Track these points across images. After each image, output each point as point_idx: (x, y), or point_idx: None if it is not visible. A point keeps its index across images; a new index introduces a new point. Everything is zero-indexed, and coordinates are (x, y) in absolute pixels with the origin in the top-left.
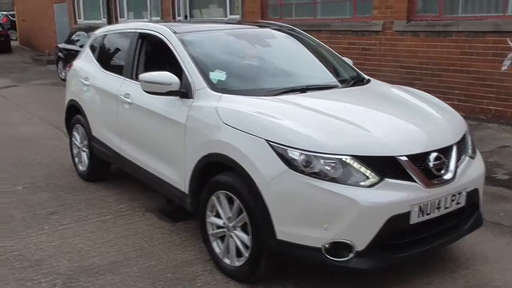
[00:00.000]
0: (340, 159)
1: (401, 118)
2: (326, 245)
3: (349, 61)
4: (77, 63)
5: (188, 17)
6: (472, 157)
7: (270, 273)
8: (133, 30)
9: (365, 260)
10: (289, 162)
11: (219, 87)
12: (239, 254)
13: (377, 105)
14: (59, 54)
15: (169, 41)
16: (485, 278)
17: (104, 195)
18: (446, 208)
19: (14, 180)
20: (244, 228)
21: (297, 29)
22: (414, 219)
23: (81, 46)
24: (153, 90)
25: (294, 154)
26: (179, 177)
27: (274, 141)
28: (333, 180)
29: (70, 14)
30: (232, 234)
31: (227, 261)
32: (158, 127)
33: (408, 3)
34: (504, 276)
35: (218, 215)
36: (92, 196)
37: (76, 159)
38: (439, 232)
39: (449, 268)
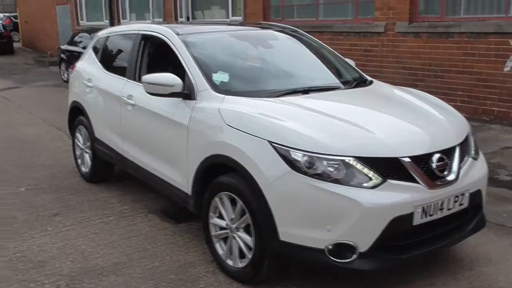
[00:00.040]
0: (343, 160)
1: (404, 119)
2: (329, 246)
3: (351, 62)
4: (80, 65)
5: (190, 19)
6: (475, 158)
7: (273, 274)
8: (136, 32)
9: (368, 261)
10: (292, 163)
11: (221, 89)
12: (242, 255)
13: (380, 107)
14: (62, 55)
15: (172, 43)
16: (489, 279)
17: (107, 196)
18: (449, 209)
19: (17, 181)
20: (247, 230)
21: (299, 30)
22: (417, 220)
23: (84, 48)
24: (156, 91)
25: (297, 155)
26: (182, 178)
27: (277, 142)
28: (336, 181)
29: (73, 16)
30: (235, 235)
31: (230, 262)
32: (161, 129)
33: (410, 5)
34: (508, 278)
35: (221, 217)
36: (95, 198)
37: (79, 161)
38: (442, 233)
39: (452, 270)
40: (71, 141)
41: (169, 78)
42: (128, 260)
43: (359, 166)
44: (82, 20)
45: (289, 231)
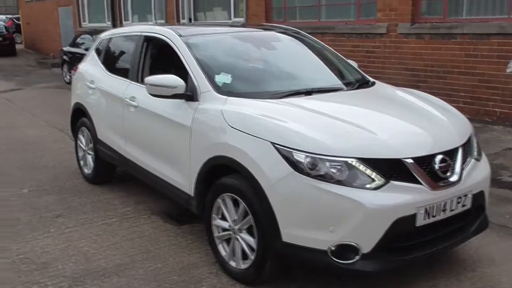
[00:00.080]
0: (345, 162)
1: (407, 120)
2: (332, 248)
3: (354, 63)
4: (82, 66)
5: (192, 20)
6: (477, 160)
7: (276, 275)
8: (139, 33)
9: (371, 262)
10: (295, 165)
11: (224, 90)
12: (244, 256)
13: (383, 108)
14: (64, 57)
15: (174, 44)
16: (492, 280)
17: (110, 198)
18: (452, 210)
19: (20, 183)
20: (249, 231)
21: (301, 31)
22: (420, 221)
23: (86, 49)
24: (158, 93)
25: (300, 157)
26: (184, 179)
27: (280, 143)
28: (338, 182)
29: (75, 17)
30: (237, 236)
31: (232, 263)
32: (163, 130)
33: (413, 6)
34: (511, 279)
35: (223, 218)
36: (98, 199)
37: (82, 162)
38: (445, 235)
39: (455, 271)
40: (73, 142)
41: (171, 79)
42: (131, 261)
43: (361, 167)
44: (84, 21)
45: (292, 232)
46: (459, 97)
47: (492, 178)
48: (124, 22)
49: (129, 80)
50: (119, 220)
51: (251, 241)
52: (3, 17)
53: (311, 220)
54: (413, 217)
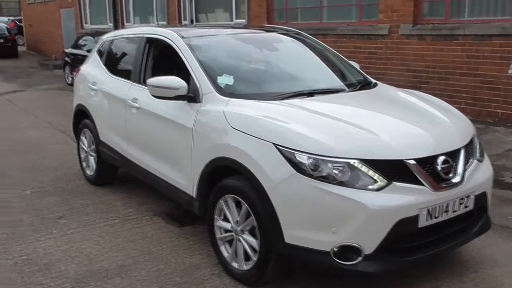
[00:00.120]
0: (348, 163)
1: (409, 121)
2: (335, 249)
3: (356, 65)
4: (84, 68)
5: (194, 22)
6: (480, 161)
7: (278, 276)
8: (141, 35)
9: (374, 263)
10: (297, 166)
11: (226, 92)
12: (247, 257)
13: (385, 109)
14: (66, 58)
15: (176, 46)
16: (494, 281)
17: (112, 199)
18: (454, 211)
19: (22, 184)
20: (252, 232)
21: (303, 33)
22: (422, 222)
23: (88, 51)
24: (161, 94)
25: (302, 158)
26: (186, 181)
27: (282, 145)
28: (341, 183)
29: (77, 19)
30: (240, 237)
31: (235, 264)
32: (165, 132)
33: (414, 7)
34: None
35: (226, 219)
36: (100, 200)
37: (84, 164)
38: (448, 236)
39: (458, 272)
40: (76, 144)
41: (174, 81)
42: (133, 262)
43: (364, 168)
44: (86, 23)
45: (295, 233)
46: (461, 98)
47: (494, 179)
48: (125, 24)
49: (131, 82)
50: (121, 221)
51: (254, 242)
52: (5, 19)
53: (314, 221)
54: (415, 218)
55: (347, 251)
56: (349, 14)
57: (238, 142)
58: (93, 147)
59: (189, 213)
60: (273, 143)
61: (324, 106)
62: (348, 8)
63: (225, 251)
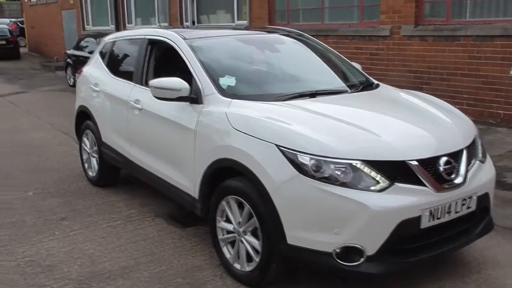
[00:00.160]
0: (350, 164)
1: (411, 122)
2: (337, 250)
3: (357, 66)
4: (87, 69)
5: (196, 23)
6: (482, 161)
7: (281, 277)
8: (143, 37)
9: (376, 264)
10: (300, 167)
11: (228, 93)
12: (249, 259)
13: (387, 110)
14: (68, 60)
15: (178, 47)
16: (497, 282)
17: (114, 200)
18: (456, 212)
19: (25, 186)
20: (254, 233)
21: (305, 34)
22: (425, 223)
23: (90, 52)
24: (163, 96)
25: (304, 159)
26: (189, 182)
27: (284, 146)
28: (343, 184)
29: (79, 21)
30: (242, 239)
31: (237, 266)
32: (168, 133)
33: (416, 8)
34: None
35: (228, 220)
36: (102, 202)
37: (86, 165)
38: (450, 237)
39: (460, 273)
40: (78, 145)
41: (176, 82)
42: (135, 264)
43: (366, 169)
44: (88, 25)
45: (297, 234)
46: (463, 99)
47: (496, 180)
48: (127, 25)
49: (133, 83)
50: (123, 222)
51: (256, 243)
52: (7, 20)
53: (316, 223)
54: (417, 219)
55: (349, 252)
56: (350, 15)
57: (240, 143)
58: (95, 148)
59: (191, 214)
60: (275, 144)
61: (326, 107)
62: (349, 9)
63: (227, 252)
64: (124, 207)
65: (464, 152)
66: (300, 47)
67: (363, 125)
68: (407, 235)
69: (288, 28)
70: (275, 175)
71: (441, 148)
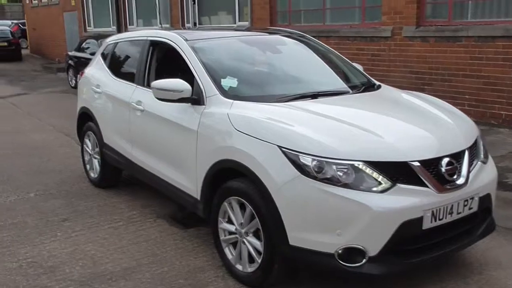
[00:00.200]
0: (352, 165)
1: (413, 123)
2: (339, 251)
3: (359, 67)
4: (88, 71)
5: (197, 24)
6: (484, 162)
7: (283, 278)
8: (144, 38)
9: (378, 265)
10: (301, 168)
11: (230, 94)
12: (251, 260)
13: (389, 111)
14: (69, 62)
15: (180, 49)
16: (499, 283)
17: (116, 201)
18: (458, 213)
19: (27, 187)
20: (256, 234)
21: (306, 35)
22: (427, 224)
23: (91, 54)
24: (165, 97)
25: (306, 160)
26: (191, 183)
27: (286, 147)
28: (345, 185)
29: (80, 22)
30: (244, 240)
31: (239, 267)
32: (170, 134)
33: (417, 9)
34: None
35: (230, 221)
36: (104, 203)
37: (88, 166)
38: (452, 238)
39: (462, 274)
40: (79, 147)
41: (178, 83)
42: (137, 265)
43: (368, 170)
44: (89, 26)
45: (299, 235)
46: (464, 99)
47: (498, 181)
48: (129, 27)
49: (135, 85)
50: (125, 223)
51: (258, 244)
52: (8, 22)
53: (318, 224)
54: (419, 220)
55: (351, 253)
56: (352, 16)
57: (242, 144)
58: (97, 149)
59: (193, 215)
60: (277, 145)
61: (328, 108)
62: (351, 10)
63: (229, 253)
64: (126, 208)
65: (466, 153)
66: (301, 48)
67: (365, 126)
68: (409, 236)
69: (290, 29)
70: (277, 176)
71: (443, 149)
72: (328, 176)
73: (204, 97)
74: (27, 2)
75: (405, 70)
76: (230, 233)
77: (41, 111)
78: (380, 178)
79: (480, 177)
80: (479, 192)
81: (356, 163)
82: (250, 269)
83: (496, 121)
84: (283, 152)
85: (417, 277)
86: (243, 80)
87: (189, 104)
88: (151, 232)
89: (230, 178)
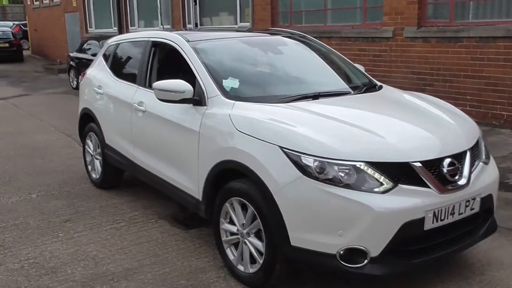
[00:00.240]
0: (354, 166)
1: (414, 124)
2: (341, 252)
3: (361, 67)
4: (90, 72)
5: (198, 25)
6: (485, 163)
7: (285, 279)
8: (146, 39)
9: (380, 266)
10: (303, 169)
11: (232, 95)
12: (253, 260)
13: (390, 111)
14: (71, 63)
15: (182, 49)
16: (501, 284)
17: (118, 202)
18: (460, 214)
19: (28, 188)
20: (258, 235)
21: (308, 36)
22: (429, 225)
23: (93, 55)
24: (166, 98)
25: (308, 161)
26: (192, 184)
27: (288, 147)
28: (347, 186)
29: (82, 23)
30: (246, 240)
31: (241, 267)
32: (171, 135)
33: (419, 9)
34: None
35: (231, 222)
36: (106, 204)
37: (89, 167)
38: (454, 238)
39: (464, 274)
40: (81, 147)
41: (179, 84)
42: (139, 265)
43: (370, 171)
44: (90, 27)
45: (300, 236)
46: (466, 100)
47: (500, 182)
48: (130, 28)
49: (137, 85)
50: (127, 224)
51: (260, 245)
52: (10, 23)
53: (320, 224)
54: (421, 220)
55: (353, 253)
56: (353, 17)
57: (244, 145)
58: (98, 150)
59: (194, 216)
60: (279, 146)
61: (330, 108)
62: (352, 11)
63: (231, 254)
64: (127, 209)
65: (468, 154)
66: (303, 49)
67: (367, 127)
68: (410, 237)
69: (291, 30)
70: (278, 177)
71: (445, 149)
72: (330, 177)
73: (206, 98)
74: (29, 3)
75: (407, 70)
76: (232, 233)
77: (42, 112)
78: (381, 178)
79: (481, 178)
80: (481, 192)
81: (357, 164)
82: (251, 269)
83: (498, 121)
84: (285, 152)
85: (419, 278)
86: (244, 81)
87: (191, 105)
88: (153, 233)
89: (232, 179)
